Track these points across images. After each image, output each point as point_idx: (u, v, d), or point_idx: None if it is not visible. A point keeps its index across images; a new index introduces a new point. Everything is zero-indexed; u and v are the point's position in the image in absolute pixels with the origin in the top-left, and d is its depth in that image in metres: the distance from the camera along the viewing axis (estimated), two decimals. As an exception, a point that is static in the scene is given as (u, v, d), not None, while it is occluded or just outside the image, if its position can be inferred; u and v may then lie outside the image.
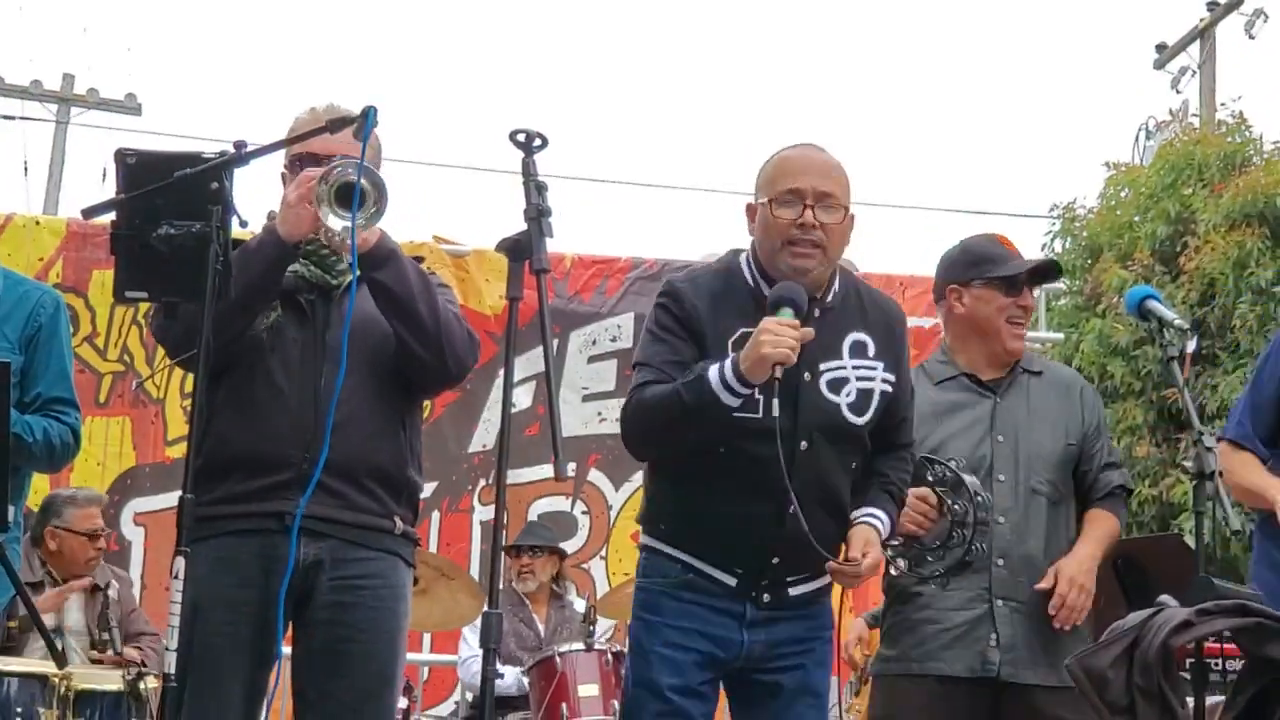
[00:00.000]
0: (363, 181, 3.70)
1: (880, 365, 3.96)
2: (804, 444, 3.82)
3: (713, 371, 3.71)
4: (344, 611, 3.84)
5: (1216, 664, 4.21)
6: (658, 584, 3.93)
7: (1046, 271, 4.78)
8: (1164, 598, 3.77)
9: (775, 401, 3.65)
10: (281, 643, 3.83)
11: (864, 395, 3.92)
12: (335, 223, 3.73)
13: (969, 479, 4.22)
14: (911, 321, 6.83)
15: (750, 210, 3.99)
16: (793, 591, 3.91)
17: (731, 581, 3.87)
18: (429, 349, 3.92)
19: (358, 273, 3.80)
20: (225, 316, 3.52)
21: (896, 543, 4.21)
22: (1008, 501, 4.44)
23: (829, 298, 3.91)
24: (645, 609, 3.94)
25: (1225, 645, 4.07)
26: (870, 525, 3.91)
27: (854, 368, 3.92)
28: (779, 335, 3.66)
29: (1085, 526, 4.56)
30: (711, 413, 3.72)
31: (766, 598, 3.88)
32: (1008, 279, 4.57)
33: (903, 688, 4.47)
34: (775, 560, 3.84)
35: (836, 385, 3.89)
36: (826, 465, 3.87)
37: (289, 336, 3.92)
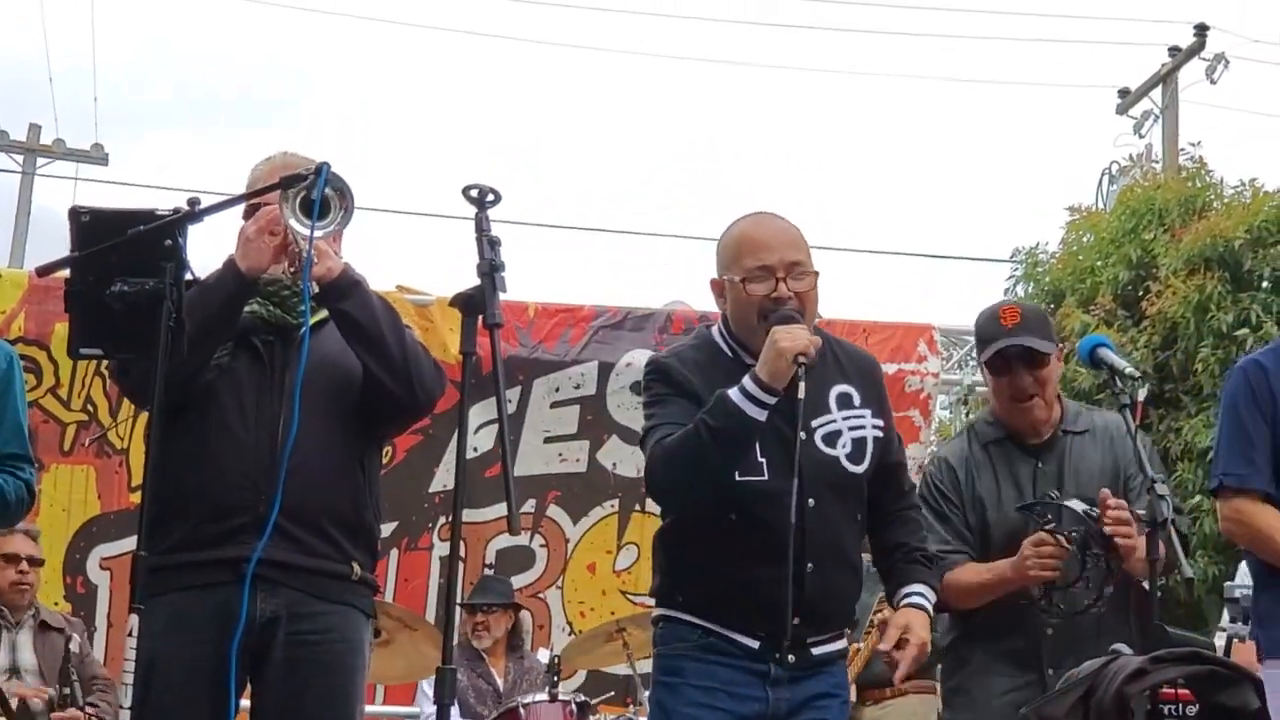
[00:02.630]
0: (326, 190, 3.69)
1: (868, 413, 4.01)
2: (811, 501, 3.82)
3: (732, 390, 3.73)
4: (299, 667, 3.82)
5: (1172, 710, 4.21)
6: (679, 649, 3.90)
7: (1023, 354, 4.57)
8: (1118, 645, 3.80)
9: (792, 455, 3.70)
10: (240, 698, 3.81)
11: (859, 444, 3.96)
12: (300, 228, 3.72)
13: (1067, 504, 4.21)
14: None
15: (717, 286, 4.02)
16: (815, 651, 3.90)
17: (754, 645, 3.85)
18: (397, 379, 3.92)
19: (312, 301, 3.80)
20: (181, 360, 3.50)
21: (1042, 601, 4.23)
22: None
23: (804, 365, 3.87)
24: (667, 673, 3.93)
25: (1180, 692, 4.07)
26: (915, 607, 3.95)
27: (844, 419, 3.96)
28: (792, 332, 3.72)
29: None
30: (738, 434, 3.72)
31: (791, 659, 3.84)
32: (993, 362, 4.59)
33: None
34: (796, 621, 3.79)
35: (831, 439, 3.92)
36: (835, 520, 3.89)
37: (243, 379, 3.92)
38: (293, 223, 3.73)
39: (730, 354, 3.97)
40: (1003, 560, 4.37)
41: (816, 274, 3.93)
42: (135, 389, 3.83)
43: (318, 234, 3.71)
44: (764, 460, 3.80)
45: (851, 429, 3.96)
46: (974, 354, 11.14)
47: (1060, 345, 4.74)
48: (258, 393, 3.92)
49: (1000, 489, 4.55)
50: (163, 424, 3.44)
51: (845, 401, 3.98)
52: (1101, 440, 4.63)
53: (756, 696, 3.84)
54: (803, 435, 3.80)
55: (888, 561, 4.09)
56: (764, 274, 3.87)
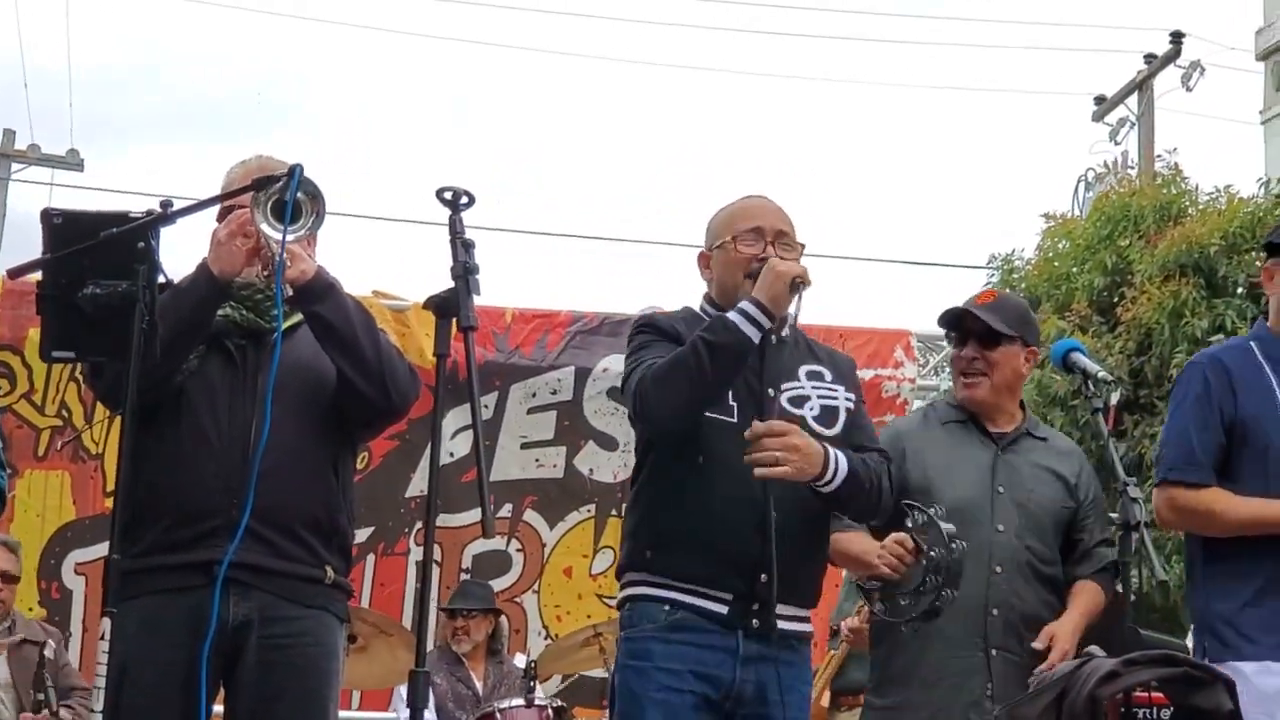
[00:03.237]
0: (298, 194, 3.69)
1: (841, 388, 4.09)
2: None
3: (732, 311, 3.82)
4: (271, 671, 3.82)
5: (1145, 714, 4.22)
6: (646, 630, 3.91)
7: (977, 325, 4.64)
8: (1091, 648, 3.81)
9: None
10: (213, 703, 3.80)
11: (828, 410, 4.03)
12: (272, 232, 3.71)
13: (945, 526, 4.22)
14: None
15: (704, 258, 4.13)
16: (783, 625, 3.91)
17: (722, 610, 3.86)
18: (371, 382, 3.93)
19: (285, 303, 3.80)
20: (154, 362, 3.48)
21: (877, 584, 4.21)
22: (1005, 552, 4.45)
23: (784, 332, 3.99)
24: (634, 656, 3.92)
25: (1154, 695, 4.09)
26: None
27: (813, 388, 4.04)
28: (788, 260, 3.86)
29: (1075, 596, 4.52)
30: (734, 351, 3.78)
31: (756, 623, 3.86)
32: (951, 335, 4.65)
33: None
34: (764, 578, 3.83)
35: (798, 401, 3.99)
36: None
37: (216, 383, 3.91)
38: (264, 227, 3.72)
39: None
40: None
41: (803, 247, 4.05)
42: (108, 392, 3.83)
43: (289, 238, 3.70)
44: (734, 404, 3.88)
45: (821, 397, 4.03)
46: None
47: (1034, 349, 4.74)
48: (230, 396, 3.91)
49: (955, 469, 4.55)
50: (135, 427, 3.44)
51: (815, 376, 4.07)
52: (1058, 456, 4.68)
53: (725, 678, 3.86)
54: (770, 392, 3.92)
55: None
56: (754, 236, 4.01)
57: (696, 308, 4.14)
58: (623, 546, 4.10)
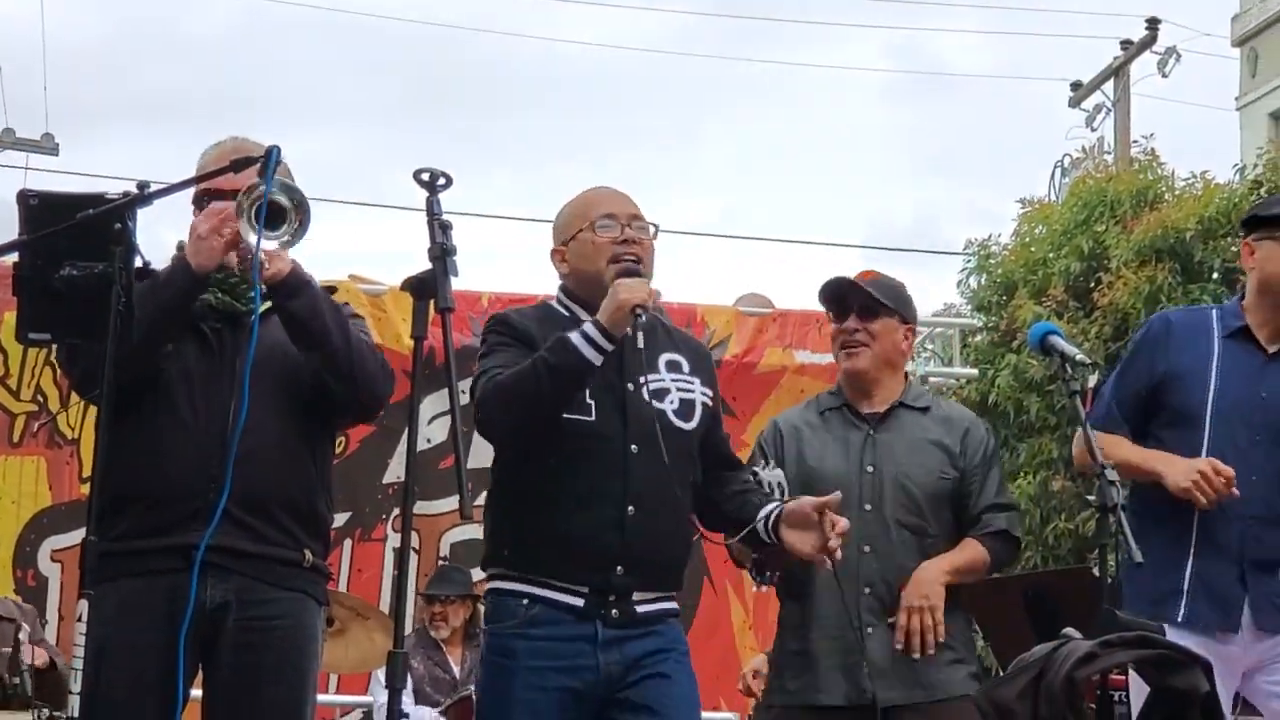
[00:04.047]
0: (282, 199, 3.68)
1: (697, 380, 4.13)
2: (634, 448, 3.93)
3: (573, 333, 3.86)
4: (250, 653, 3.80)
5: (1122, 696, 4.25)
6: (507, 627, 3.92)
7: (859, 296, 4.65)
8: (1069, 630, 3.82)
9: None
10: (191, 686, 3.80)
11: (687, 404, 4.06)
12: (255, 238, 3.68)
13: (764, 474, 4.24)
14: (827, 358, 6.89)
15: (558, 254, 4.14)
16: (641, 609, 3.94)
17: (578, 602, 3.88)
18: (342, 381, 3.91)
19: (261, 295, 3.78)
20: (131, 350, 3.48)
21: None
22: (874, 530, 4.49)
23: (643, 316, 3.96)
24: (496, 652, 3.95)
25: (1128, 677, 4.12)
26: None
27: (672, 380, 4.07)
28: (632, 285, 3.87)
29: (952, 551, 4.55)
30: (574, 374, 3.84)
31: (615, 613, 3.89)
32: (830, 307, 4.69)
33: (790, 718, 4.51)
34: (620, 570, 3.87)
35: (659, 394, 4.01)
36: (659, 472, 3.90)
37: (192, 366, 3.90)
38: (247, 230, 3.69)
39: (569, 315, 4.07)
40: None
41: (656, 228, 4.09)
42: (82, 381, 3.81)
43: (272, 244, 3.70)
44: (592, 403, 3.92)
45: (680, 389, 4.06)
46: (927, 344, 11.23)
47: (913, 326, 4.80)
48: (207, 380, 3.89)
49: (827, 454, 4.59)
50: (112, 409, 3.43)
51: (674, 366, 4.10)
52: (940, 424, 4.70)
53: (588, 665, 3.87)
54: (630, 386, 3.96)
55: (739, 499, 4.15)
56: (610, 221, 4.04)
57: (554, 302, 4.17)
58: (485, 539, 4.13)
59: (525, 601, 3.90)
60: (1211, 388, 4.44)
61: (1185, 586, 4.38)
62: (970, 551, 4.56)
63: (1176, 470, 4.35)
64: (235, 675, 3.82)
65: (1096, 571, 4.19)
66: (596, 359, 3.83)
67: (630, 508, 3.87)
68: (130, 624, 3.71)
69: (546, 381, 3.83)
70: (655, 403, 3.96)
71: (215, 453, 3.78)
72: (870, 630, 4.42)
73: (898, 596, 4.46)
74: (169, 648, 3.66)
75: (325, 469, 4.06)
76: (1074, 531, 12.76)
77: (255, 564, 3.83)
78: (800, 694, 4.49)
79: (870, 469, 4.55)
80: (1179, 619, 4.34)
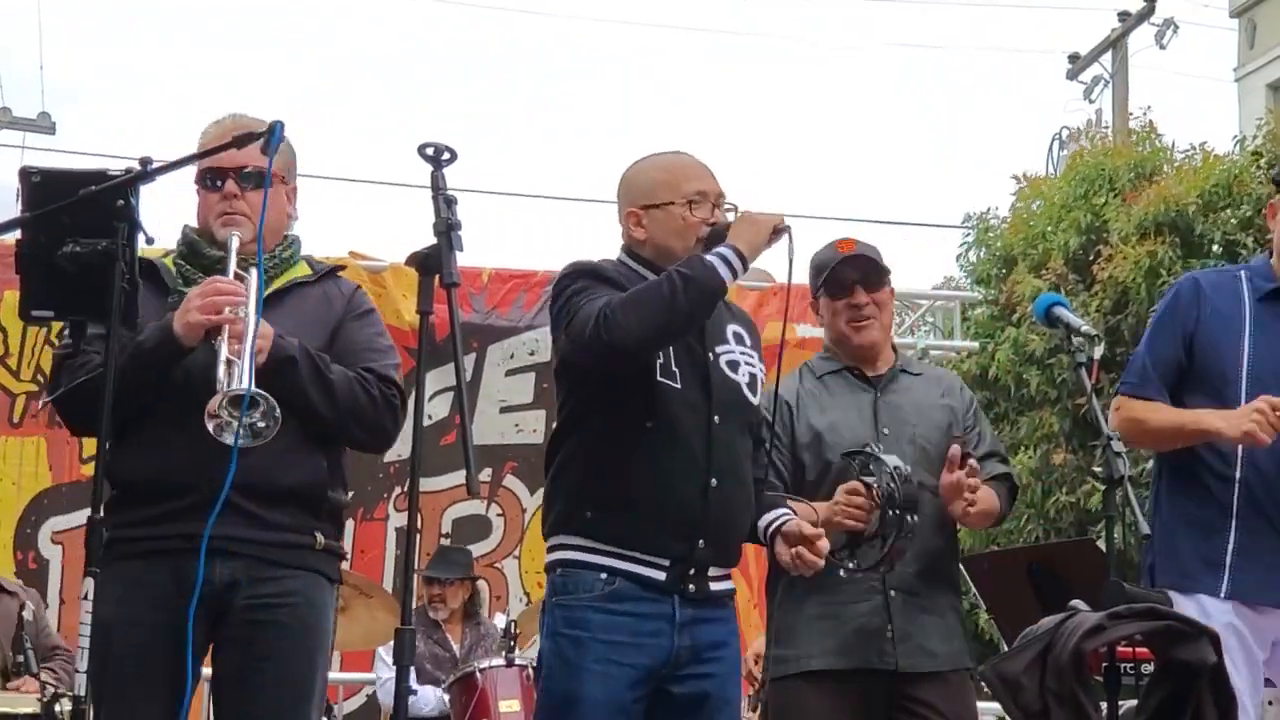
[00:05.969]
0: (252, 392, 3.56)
1: (755, 354, 4.13)
2: (717, 419, 3.92)
3: (710, 254, 3.84)
4: (258, 630, 3.79)
5: (1129, 668, 4.24)
6: (582, 599, 3.87)
7: (866, 269, 4.64)
8: (1076, 602, 3.81)
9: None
10: (201, 664, 3.78)
11: (753, 379, 4.07)
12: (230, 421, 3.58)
13: (887, 458, 4.22)
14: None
15: (635, 215, 4.06)
16: (713, 586, 3.95)
17: (660, 576, 3.86)
18: (337, 438, 3.96)
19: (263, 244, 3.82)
20: (118, 398, 3.46)
21: (841, 547, 4.22)
22: None
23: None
24: (570, 625, 3.88)
25: (1137, 649, 4.11)
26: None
27: (740, 353, 4.06)
28: (762, 212, 3.91)
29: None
30: (708, 293, 3.81)
31: (692, 588, 3.88)
32: (830, 285, 4.62)
33: (798, 687, 4.43)
34: (701, 543, 3.87)
35: (733, 366, 4.02)
36: (735, 443, 3.95)
37: (197, 355, 3.85)
38: (224, 414, 3.58)
39: (640, 276, 3.98)
40: (820, 504, 4.32)
41: (736, 208, 4.05)
42: (72, 425, 3.88)
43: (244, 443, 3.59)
44: (677, 370, 3.90)
45: (746, 363, 4.07)
46: (928, 318, 11.19)
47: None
48: (212, 368, 3.85)
49: (839, 419, 4.55)
50: (113, 396, 3.42)
51: (739, 338, 4.09)
52: (937, 385, 4.73)
53: (663, 645, 3.86)
54: (710, 356, 3.95)
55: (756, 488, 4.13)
56: (702, 199, 4.02)
57: (629, 261, 4.08)
58: (552, 508, 4.04)
59: (604, 575, 3.87)
60: (1246, 351, 4.40)
61: (1228, 559, 4.31)
62: (986, 493, 4.47)
63: (1231, 418, 4.27)
64: (242, 652, 3.80)
65: (1102, 543, 4.18)
66: (730, 280, 3.81)
67: (714, 480, 3.87)
68: (136, 602, 3.70)
69: (682, 291, 3.76)
70: (731, 374, 3.98)
71: (218, 443, 3.73)
72: (894, 594, 4.38)
73: (921, 560, 4.40)
74: (176, 626, 3.63)
75: (337, 455, 4.01)
76: (1075, 505, 12.77)
77: (263, 549, 3.81)
78: (819, 658, 4.40)
79: (886, 431, 4.52)
80: (1221, 592, 4.29)
